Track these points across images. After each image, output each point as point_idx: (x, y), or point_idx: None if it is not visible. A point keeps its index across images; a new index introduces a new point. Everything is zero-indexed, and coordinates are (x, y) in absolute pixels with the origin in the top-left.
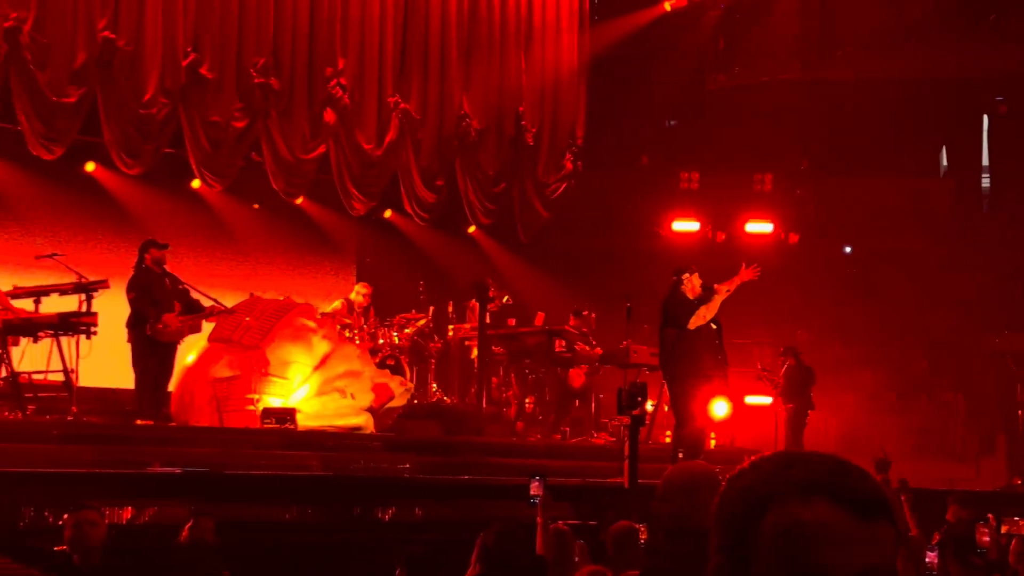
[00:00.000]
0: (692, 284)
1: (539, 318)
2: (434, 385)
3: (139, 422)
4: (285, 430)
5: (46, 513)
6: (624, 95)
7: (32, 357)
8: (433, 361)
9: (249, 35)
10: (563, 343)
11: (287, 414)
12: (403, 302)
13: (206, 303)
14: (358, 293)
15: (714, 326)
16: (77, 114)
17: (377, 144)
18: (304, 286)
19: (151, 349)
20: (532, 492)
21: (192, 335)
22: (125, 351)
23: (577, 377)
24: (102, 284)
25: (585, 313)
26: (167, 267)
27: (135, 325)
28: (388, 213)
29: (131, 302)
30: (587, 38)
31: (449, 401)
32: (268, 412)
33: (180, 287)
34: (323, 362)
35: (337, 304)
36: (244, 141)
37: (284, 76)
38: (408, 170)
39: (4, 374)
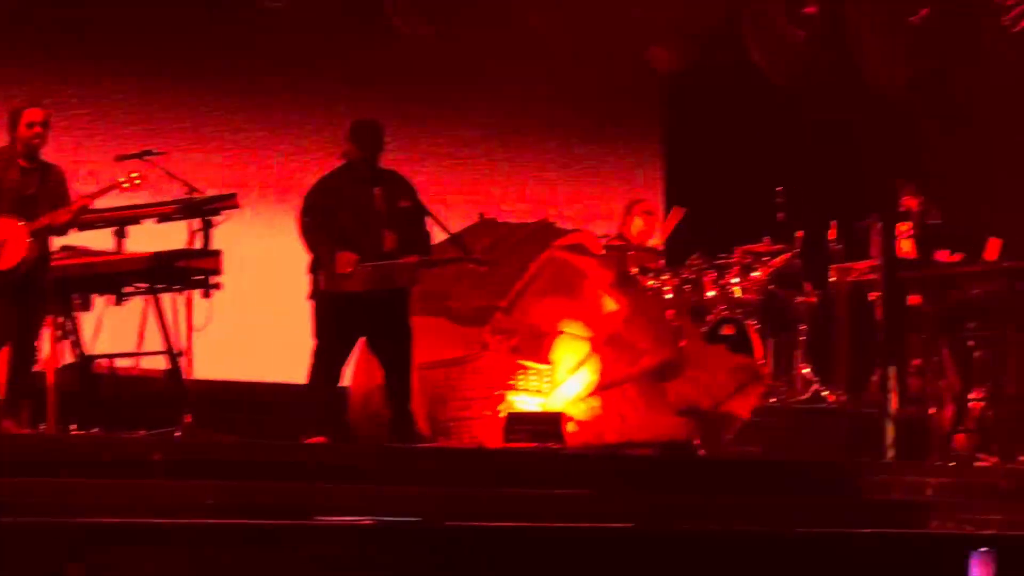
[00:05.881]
0: None
1: (992, 246)
2: (806, 368)
3: (305, 440)
4: (546, 450)
5: None
6: None
7: (115, 329)
8: (803, 327)
9: None
10: None
11: (550, 423)
12: (747, 223)
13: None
14: (641, 214)
15: None
16: None
17: None
18: (571, 196)
19: (334, 312)
20: None
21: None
22: (270, 317)
23: None
24: (228, 201)
25: None
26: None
27: (315, 270)
28: None
29: (302, 234)
30: None
31: (832, 399)
32: (516, 420)
33: (401, 205)
34: (611, 332)
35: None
36: None
37: None
38: None
39: (71, 359)
